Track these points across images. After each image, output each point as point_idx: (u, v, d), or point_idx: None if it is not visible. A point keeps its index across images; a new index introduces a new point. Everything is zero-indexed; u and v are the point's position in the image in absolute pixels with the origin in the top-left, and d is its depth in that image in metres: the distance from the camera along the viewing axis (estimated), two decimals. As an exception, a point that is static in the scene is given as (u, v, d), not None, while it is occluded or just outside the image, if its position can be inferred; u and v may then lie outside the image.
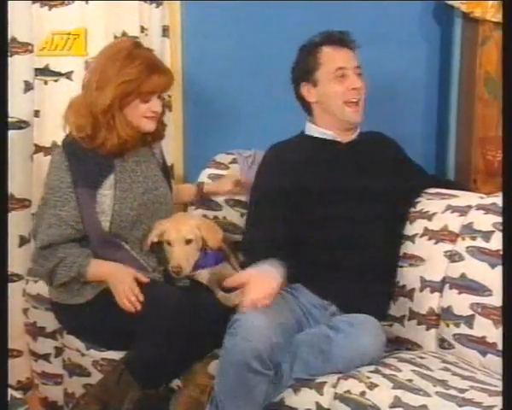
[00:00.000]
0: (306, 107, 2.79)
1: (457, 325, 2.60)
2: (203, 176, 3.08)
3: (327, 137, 2.76)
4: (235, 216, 3.06)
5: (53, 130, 3.02)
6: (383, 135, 2.87)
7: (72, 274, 2.63)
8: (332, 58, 2.71)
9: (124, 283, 2.58)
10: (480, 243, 2.59)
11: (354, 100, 2.70)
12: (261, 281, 2.44)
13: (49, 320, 2.90)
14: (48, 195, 2.68)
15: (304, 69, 2.75)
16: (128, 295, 2.55)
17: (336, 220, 2.63)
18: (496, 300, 2.51)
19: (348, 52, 2.73)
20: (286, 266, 2.51)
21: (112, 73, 2.64)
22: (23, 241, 3.17)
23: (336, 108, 2.71)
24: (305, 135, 2.81)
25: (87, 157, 2.68)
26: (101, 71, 2.67)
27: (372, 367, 2.40)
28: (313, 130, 2.79)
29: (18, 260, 3.13)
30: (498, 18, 3.05)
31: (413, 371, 2.39)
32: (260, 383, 2.38)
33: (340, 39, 2.73)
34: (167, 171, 2.92)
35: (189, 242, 2.70)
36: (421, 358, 2.52)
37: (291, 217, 2.64)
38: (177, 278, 2.68)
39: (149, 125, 2.73)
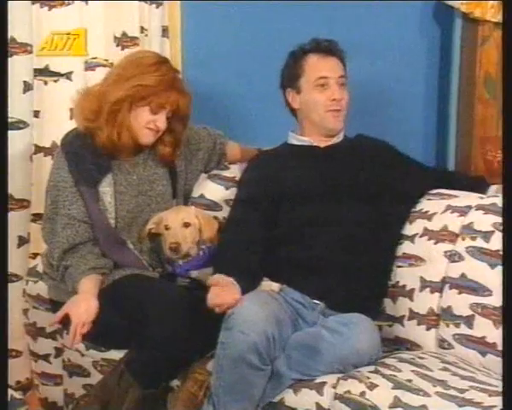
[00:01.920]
0: (292, 112, 2.85)
1: (457, 326, 2.60)
2: (203, 176, 3.07)
3: (305, 143, 2.80)
4: (234, 216, 3.06)
5: (52, 130, 3.03)
6: (371, 138, 2.87)
7: (70, 288, 2.64)
8: (315, 67, 2.74)
9: (78, 317, 2.54)
10: (479, 243, 2.59)
11: (335, 108, 2.74)
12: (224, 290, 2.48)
13: (48, 321, 2.90)
14: (57, 197, 2.69)
15: (289, 76, 2.79)
16: (77, 334, 2.53)
17: (320, 221, 2.65)
18: (496, 300, 2.51)
19: (333, 61, 2.76)
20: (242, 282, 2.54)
21: (132, 73, 2.66)
22: (22, 241, 3.17)
23: (317, 116, 2.76)
24: (286, 144, 2.87)
25: (85, 157, 2.69)
26: (123, 68, 2.70)
27: (372, 367, 2.40)
28: (293, 138, 2.85)
29: (17, 260, 3.13)
30: (498, 18, 3.05)
31: (413, 371, 2.39)
32: (258, 379, 2.38)
33: (326, 48, 2.75)
34: (171, 164, 2.86)
35: (187, 225, 2.70)
36: (421, 358, 2.52)
37: (270, 221, 2.69)
38: (175, 257, 2.67)
39: (148, 138, 2.73)
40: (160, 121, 2.71)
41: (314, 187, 2.71)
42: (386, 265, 2.73)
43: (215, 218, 2.96)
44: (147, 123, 2.70)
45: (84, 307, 2.55)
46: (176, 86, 2.71)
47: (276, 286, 2.63)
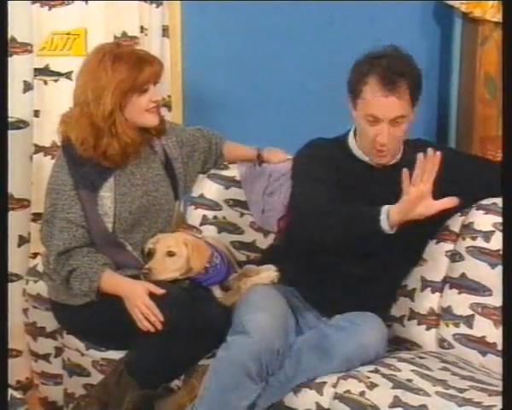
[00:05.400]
0: None
1: (457, 325, 2.60)
2: (202, 175, 3.07)
3: (365, 159, 2.63)
4: (235, 216, 3.05)
5: (53, 130, 3.01)
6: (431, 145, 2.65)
7: (84, 288, 2.60)
8: (369, 102, 2.49)
9: (139, 299, 2.53)
10: (480, 243, 2.59)
11: (379, 149, 2.55)
12: None
13: (48, 320, 2.90)
14: (56, 200, 2.67)
15: (350, 87, 2.59)
16: (146, 315, 2.51)
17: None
18: (496, 300, 2.52)
19: (392, 100, 2.47)
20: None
21: (105, 80, 2.61)
22: (22, 241, 3.17)
23: (364, 143, 2.60)
24: (346, 144, 2.67)
25: (86, 160, 2.67)
26: (94, 80, 2.63)
27: (372, 367, 2.41)
28: (354, 146, 2.65)
29: (17, 260, 3.13)
30: (498, 18, 3.06)
31: (413, 370, 2.40)
32: (250, 393, 2.37)
33: (391, 79, 2.46)
34: (171, 167, 2.85)
35: (171, 254, 2.65)
36: (421, 358, 2.52)
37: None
38: (146, 279, 2.61)
39: (153, 119, 2.71)
40: (155, 95, 2.68)
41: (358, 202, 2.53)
42: (405, 276, 2.72)
43: (216, 218, 2.97)
44: (145, 107, 2.68)
45: (136, 288, 2.55)
46: (146, 59, 2.68)
47: (275, 276, 2.63)
